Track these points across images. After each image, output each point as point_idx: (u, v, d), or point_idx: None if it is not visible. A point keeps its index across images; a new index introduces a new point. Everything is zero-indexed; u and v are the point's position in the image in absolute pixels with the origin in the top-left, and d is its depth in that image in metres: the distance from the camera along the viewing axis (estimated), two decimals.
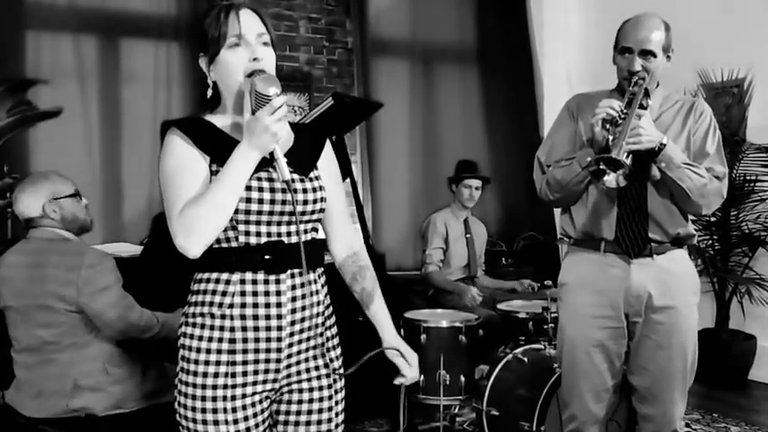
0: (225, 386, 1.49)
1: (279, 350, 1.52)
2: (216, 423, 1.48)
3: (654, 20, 2.23)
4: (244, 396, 1.50)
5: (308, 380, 1.58)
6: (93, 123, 4.40)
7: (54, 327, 2.31)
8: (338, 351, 1.65)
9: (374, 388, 3.47)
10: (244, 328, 1.49)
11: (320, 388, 1.59)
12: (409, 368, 1.69)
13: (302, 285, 1.53)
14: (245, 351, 1.49)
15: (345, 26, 5.39)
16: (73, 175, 2.73)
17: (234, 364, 1.49)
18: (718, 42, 4.60)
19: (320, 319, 1.58)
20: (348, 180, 3.73)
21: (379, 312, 1.71)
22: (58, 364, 2.33)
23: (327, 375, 1.60)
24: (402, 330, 3.19)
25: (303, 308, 1.53)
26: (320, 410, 1.59)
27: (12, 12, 4.16)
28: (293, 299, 1.51)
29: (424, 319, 3.18)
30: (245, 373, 1.50)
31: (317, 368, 1.59)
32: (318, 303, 1.57)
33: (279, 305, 1.50)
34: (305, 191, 1.54)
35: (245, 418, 1.51)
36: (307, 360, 1.57)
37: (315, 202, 1.55)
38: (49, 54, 4.27)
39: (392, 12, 5.45)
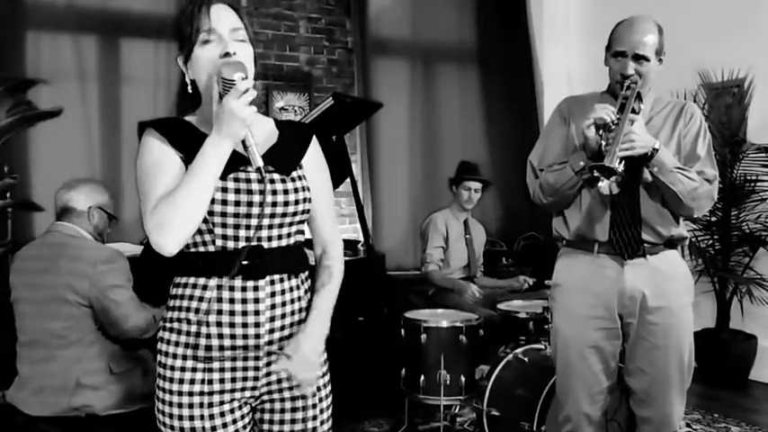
0: (201, 393, 1.46)
1: (257, 358, 1.48)
2: (193, 430, 1.46)
3: (647, 23, 2.21)
4: (222, 403, 1.48)
5: (290, 388, 1.52)
6: (93, 123, 4.40)
7: (63, 320, 2.36)
8: (323, 357, 1.57)
9: (374, 388, 3.48)
10: (220, 336, 1.45)
11: (303, 397, 1.54)
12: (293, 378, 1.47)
13: (282, 292, 1.48)
14: (221, 358, 1.46)
15: (345, 26, 5.39)
16: (73, 175, 2.74)
17: (211, 370, 1.47)
18: (719, 42, 4.59)
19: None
20: (348, 180, 3.73)
21: (313, 310, 1.53)
22: (61, 361, 2.36)
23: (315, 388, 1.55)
24: (402, 330, 3.19)
25: (283, 315, 1.49)
26: (304, 420, 1.55)
27: (12, 12, 4.15)
28: (272, 306, 1.47)
29: (425, 319, 3.18)
30: (222, 380, 1.48)
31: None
32: (300, 310, 1.53)
33: (257, 313, 1.46)
34: (286, 191, 1.47)
35: (224, 425, 1.48)
36: None
37: (297, 203, 1.48)
38: (49, 54, 4.27)
39: (392, 12, 5.45)
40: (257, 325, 1.46)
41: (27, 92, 3.99)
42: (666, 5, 3.80)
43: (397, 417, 3.45)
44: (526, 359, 3.04)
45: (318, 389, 1.56)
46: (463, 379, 3.08)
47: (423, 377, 3.08)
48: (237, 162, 1.42)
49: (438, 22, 5.58)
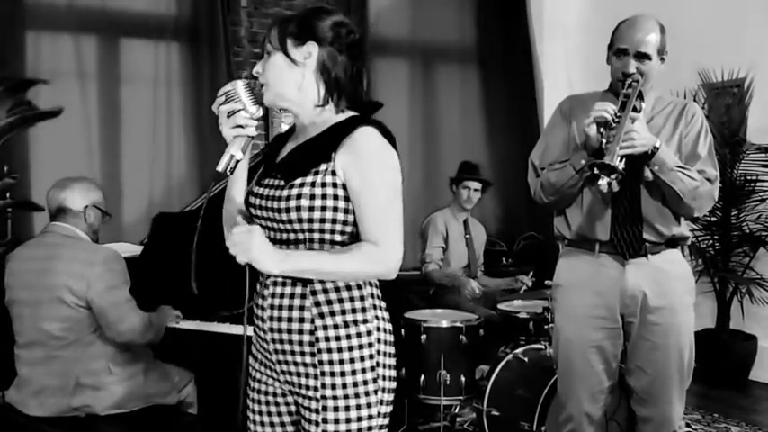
0: (250, 372, 1.63)
1: (269, 351, 1.55)
2: (246, 396, 1.63)
3: (650, 22, 2.21)
4: (259, 386, 1.60)
5: (301, 396, 1.52)
6: (93, 123, 4.39)
7: (61, 321, 2.35)
8: (338, 380, 1.48)
9: None
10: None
11: (308, 409, 1.50)
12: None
13: (281, 296, 1.51)
14: (256, 342, 1.61)
15: None
16: (73, 175, 2.73)
17: (252, 353, 1.63)
18: (719, 42, 4.59)
19: (306, 337, 1.49)
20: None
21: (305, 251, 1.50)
22: (61, 361, 2.36)
23: (317, 399, 1.49)
24: (402, 330, 3.19)
25: (279, 318, 1.51)
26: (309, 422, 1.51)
27: (12, 12, 4.15)
28: (272, 306, 1.52)
29: (425, 319, 3.17)
30: (258, 364, 1.61)
31: (307, 387, 1.50)
32: (302, 320, 1.49)
33: (262, 308, 1.54)
34: (279, 198, 1.49)
35: (258, 401, 1.60)
36: (299, 375, 1.51)
37: (288, 210, 1.47)
38: (49, 54, 4.27)
39: (392, 12, 5.45)
40: (262, 320, 1.54)
41: (27, 92, 3.99)
42: (666, 5, 3.80)
43: (397, 417, 3.45)
44: (526, 359, 3.04)
45: (324, 408, 1.48)
46: (463, 379, 3.08)
47: (423, 377, 3.07)
48: (268, 170, 1.58)
49: (438, 22, 5.58)
